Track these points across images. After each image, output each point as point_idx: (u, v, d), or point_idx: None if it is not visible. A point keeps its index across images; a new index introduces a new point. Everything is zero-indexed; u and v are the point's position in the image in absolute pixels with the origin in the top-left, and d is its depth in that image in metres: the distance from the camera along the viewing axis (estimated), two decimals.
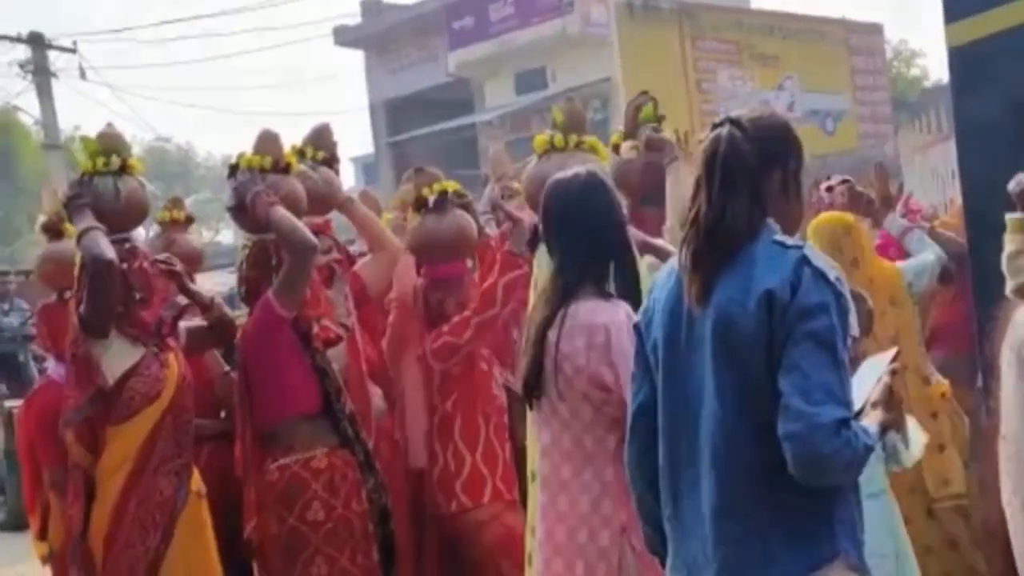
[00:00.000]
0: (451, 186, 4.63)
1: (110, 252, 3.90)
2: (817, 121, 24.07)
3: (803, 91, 24.27)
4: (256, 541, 4.06)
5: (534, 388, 3.14)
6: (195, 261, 5.29)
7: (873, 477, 3.50)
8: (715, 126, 2.39)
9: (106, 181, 4.20)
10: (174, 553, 3.97)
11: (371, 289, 4.75)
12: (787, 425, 2.17)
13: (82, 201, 4.07)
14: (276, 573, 4.02)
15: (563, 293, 3.11)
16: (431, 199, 4.55)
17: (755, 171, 2.32)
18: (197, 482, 4.16)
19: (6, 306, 12.05)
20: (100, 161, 4.22)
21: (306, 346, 4.07)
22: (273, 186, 4.17)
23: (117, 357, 3.96)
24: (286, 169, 4.36)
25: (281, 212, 4.02)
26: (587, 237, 3.11)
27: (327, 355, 4.15)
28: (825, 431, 2.14)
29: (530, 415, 3.36)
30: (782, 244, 2.30)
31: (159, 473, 3.97)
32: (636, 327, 2.57)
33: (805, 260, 2.25)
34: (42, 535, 4.69)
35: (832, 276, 2.25)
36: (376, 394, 4.64)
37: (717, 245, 2.30)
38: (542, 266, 3.58)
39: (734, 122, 2.35)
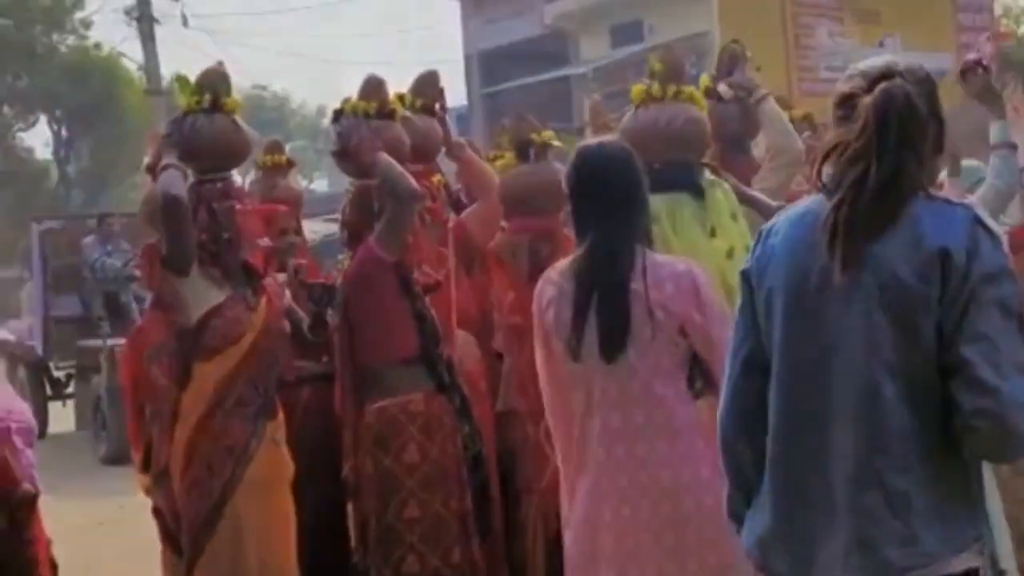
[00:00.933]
0: (553, 138, 4.53)
1: (176, 188, 3.87)
2: None
3: (904, 49, 23.61)
4: (352, 482, 4.13)
5: (621, 338, 3.09)
6: (297, 204, 5.33)
7: None
8: (876, 79, 2.19)
9: (197, 119, 4.12)
10: (241, 497, 3.92)
11: (475, 236, 4.71)
12: (977, 400, 2.02)
13: (172, 139, 4.04)
14: (371, 514, 4.08)
15: (630, 248, 3.12)
16: (547, 140, 4.39)
17: (924, 126, 2.17)
18: (277, 428, 4.10)
19: (109, 247, 12.33)
20: (194, 100, 4.16)
21: (407, 291, 4.11)
22: (377, 132, 4.20)
23: (201, 296, 3.96)
24: (391, 115, 4.38)
25: (385, 158, 4.05)
26: (631, 199, 3.19)
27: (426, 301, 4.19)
28: (1022, 408, 2.01)
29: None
30: (946, 200, 2.17)
31: (233, 415, 3.95)
32: (744, 273, 2.36)
33: (978, 220, 2.11)
34: (144, 468, 4.81)
35: (1002, 238, 2.13)
36: (468, 342, 4.66)
37: (887, 203, 2.13)
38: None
39: (901, 75, 2.18)
